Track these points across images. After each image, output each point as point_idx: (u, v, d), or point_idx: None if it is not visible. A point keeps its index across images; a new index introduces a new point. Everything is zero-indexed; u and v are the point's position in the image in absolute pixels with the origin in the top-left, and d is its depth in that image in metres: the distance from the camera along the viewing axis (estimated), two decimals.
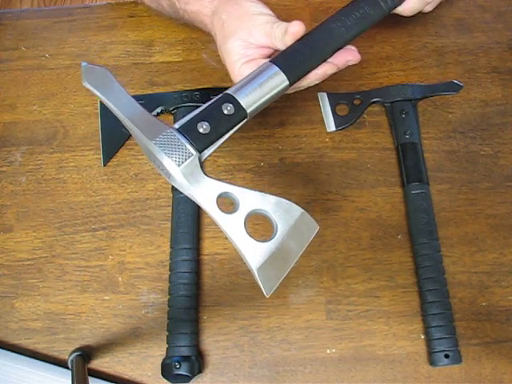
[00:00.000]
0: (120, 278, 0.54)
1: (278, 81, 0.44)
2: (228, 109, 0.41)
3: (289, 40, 0.46)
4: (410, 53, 0.64)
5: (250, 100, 0.42)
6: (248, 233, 0.36)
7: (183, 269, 0.52)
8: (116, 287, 0.54)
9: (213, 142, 0.40)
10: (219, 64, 0.64)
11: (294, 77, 0.45)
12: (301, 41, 0.47)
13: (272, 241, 0.35)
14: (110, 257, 0.55)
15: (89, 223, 0.56)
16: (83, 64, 0.41)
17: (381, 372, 0.50)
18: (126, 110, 0.40)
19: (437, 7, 0.66)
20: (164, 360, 0.50)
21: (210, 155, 0.41)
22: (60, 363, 0.51)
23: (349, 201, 0.56)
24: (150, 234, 0.56)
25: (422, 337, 0.51)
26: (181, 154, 0.38)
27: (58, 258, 0.55)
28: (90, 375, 0.49)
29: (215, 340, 0.52)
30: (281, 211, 0.37)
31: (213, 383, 0.51)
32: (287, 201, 0.37)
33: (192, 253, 0.53)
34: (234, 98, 0.42)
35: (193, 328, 0.51)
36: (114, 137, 0.60)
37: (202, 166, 0.39)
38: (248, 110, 0.42)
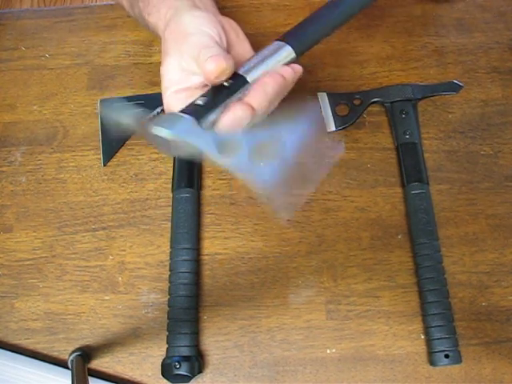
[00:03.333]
0: (120, 278, 0.54)
1: (280, 50, 0.44)
2: (228, 81, 0.41)
3: (208, 73, 0.39)
4: (409, 53, 0.64)
5: (251, 68, 0.42)
6: (253, 164, 0.37)
7: (183, 269, 0.52)
8: (116, 287, 0.54)
9: (212, 108, 0.40)
10: None
11: (300, 46, 0.45)
12: (308, 16, 0.47)
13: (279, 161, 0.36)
14: (110, 257, 0.55)
15: (89, 223, 0.56)
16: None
17: (381, 372, 0.50)
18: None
19: (437, 7, 0.66)
20: (164, 360, 0.50)
21: (216, 119, 0.40)
22: (60, 363, 0.51)
23: (349, 201, 0.56)
24: (150, 234, 0.56)
25: (422, 337, 0.51)
26: (174, 120, 0.39)
27: (58, 258, 0.55)
28: (89, 375, 0.49)
29: (215, 340, 0.52)
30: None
31: (213, 383, 0.51)
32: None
33: (192, 253, 0.53)
34: (237, 73, 0.41)
35: (193, 328, 0.51)
36: (114, 137, 0.60)
37: (202, 126, 0.39)
38: (248, 78, 0.41)
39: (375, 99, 0.59)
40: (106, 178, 0.58)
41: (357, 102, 0.59)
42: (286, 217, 0.35)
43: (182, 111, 0.41)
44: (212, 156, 0.38)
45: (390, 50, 0.64)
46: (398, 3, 0.67)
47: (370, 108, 0.60)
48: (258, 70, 0.42)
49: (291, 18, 0.66)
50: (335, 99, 0.60)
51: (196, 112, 0.40)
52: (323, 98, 0.60)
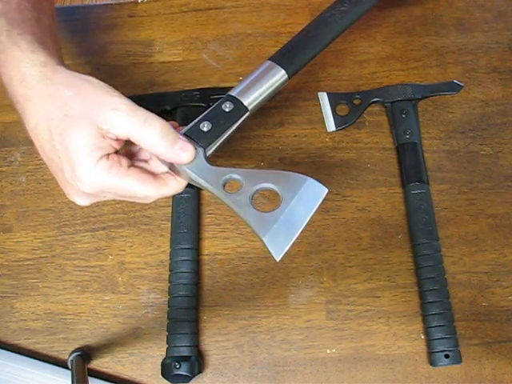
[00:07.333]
0: (120, 278, 0.54)
1: (275, 75, 0.46)
2: (228, 106, 0.43)
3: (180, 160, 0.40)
4: (409, 53, 0.64)
5: (250, 95, 0.44)
6: (254, 207, 0.38)
7: (183, 269, 0.52)
8: (116, 287, 0.54)
9: (217, 137, 0.42)
10: (219, 64, 0.64)
11: (292, 69, 0.46)
12: (297, 35, 0.48)
13: (277, 210, 0.37)
14: (110, 257, 0.55)
15: (89, 223, 0.56)
16: None
17: (381, 372, 0.50)
18: None
19: (437, 7, 0.66)
20: (164, 360, 0.50)
21: (217, 149, 0.43)
22: (60, 363, 0.51)
23: (349, 201, 0.56)
24: (150, 234, 0.56)
25: (422, 337, 0.51)
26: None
27: (58, 258, 0.55)
28: (89, 375, 0.49)
29: (215, 340, 0.52)
30: (284, 182, 0.39)
31: (213, 383, 0.51)
32: (291, 172, 0.39)
33: (192, 253, 0.53)
34: (233, 96, 0.44)
35: (193, 328, 0.51)
36: None
37: (207, 159, 0.41)
38: (248, 105, 0.44)
39: (375, 99, 0.59)
40: None
41: (357, 102, 0.59)
42: (278, 255, 0.36)
43: (187, 134, 0.42)
44: (215, 192, 0.39)
45: (390, 49, 0.64)
46: (398, 3, 0.67)
47: (370, 108, 0.60)
48: (253, 94, 0.44)
49: (291, 18, 0.66)
50: (335, 99, 0.60)
51: (203, 139, 0.42)
52: (323, 98, 0.60)
